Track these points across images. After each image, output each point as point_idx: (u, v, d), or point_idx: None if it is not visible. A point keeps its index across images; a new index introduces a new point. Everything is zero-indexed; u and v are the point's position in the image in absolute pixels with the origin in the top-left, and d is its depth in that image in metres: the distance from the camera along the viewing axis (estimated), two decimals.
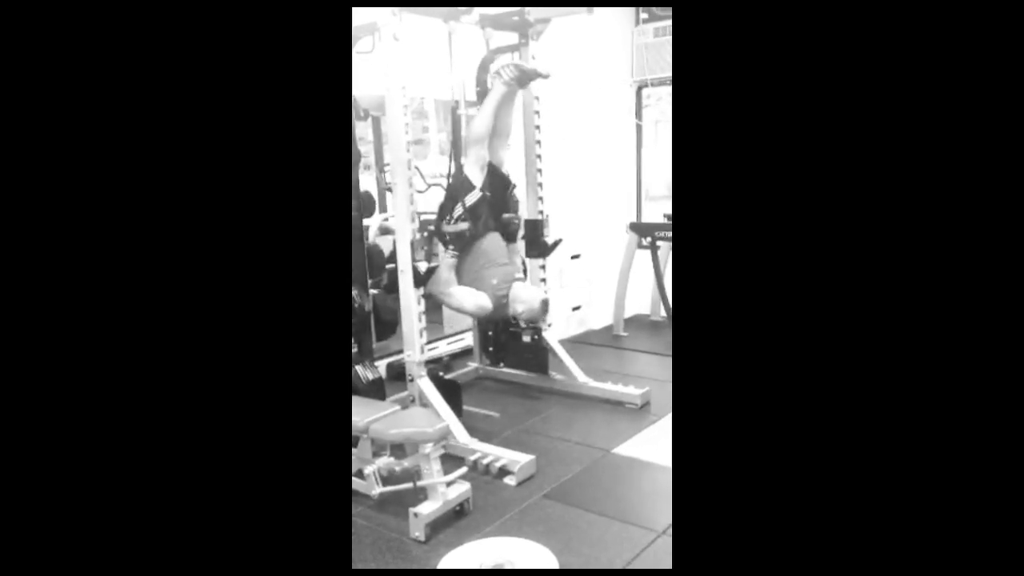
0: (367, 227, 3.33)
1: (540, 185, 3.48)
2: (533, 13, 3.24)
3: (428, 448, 2.26)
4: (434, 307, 3.34)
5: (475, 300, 2.96)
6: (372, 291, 3.06)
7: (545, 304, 3.03)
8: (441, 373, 3.13)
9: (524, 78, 2.99)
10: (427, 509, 2.21)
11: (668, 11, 4.59)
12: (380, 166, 4.14)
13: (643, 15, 4.71)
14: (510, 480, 2.56)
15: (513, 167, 3.52)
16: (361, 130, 3.77)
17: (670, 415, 3.11)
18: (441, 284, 2.94)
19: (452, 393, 3.02)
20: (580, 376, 3.44)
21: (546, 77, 3.08)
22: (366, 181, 3.74)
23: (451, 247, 2.93)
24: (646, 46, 4.68)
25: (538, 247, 3.46)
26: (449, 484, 2.30)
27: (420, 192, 3.07)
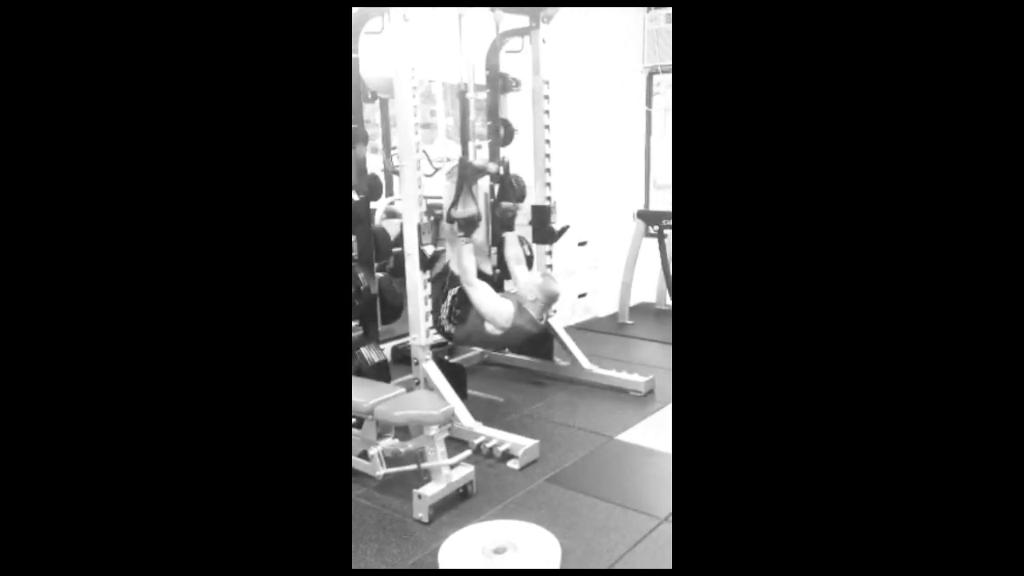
0: (374, 210, 3.32)
1: (548, 171, 3.46)
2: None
3: (433, 430, 2.27)
4: (441, 291, 3.34)
5: (498, 305, 2.90)
6: (378, 274, 3.06)
7: (547, 278, 3.03)
8: (446, 357, 3.14)
9: (475, 176, 3.05)
10: (431, 491, 2.22)
11: None
12: (387, 149, 4.13)
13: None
14: (513, 464, 2.58)
15: (522, 153, 3.52)
16: (368, 112, 3.75)
17: None
18: (467, 273, 2.89)
19: (457, 377, 3.03)
20: (585, 363, 3.45)
21: (493, 172, 3.18)
22: (373, 164, 3.73)
23: (461, 232, 2.91)
24: (657, 32, 4.64)
25: (545, 233, 3.45)
26: (453, 467, 2.31)
27: (427, 176, 3.06)
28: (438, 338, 3.23)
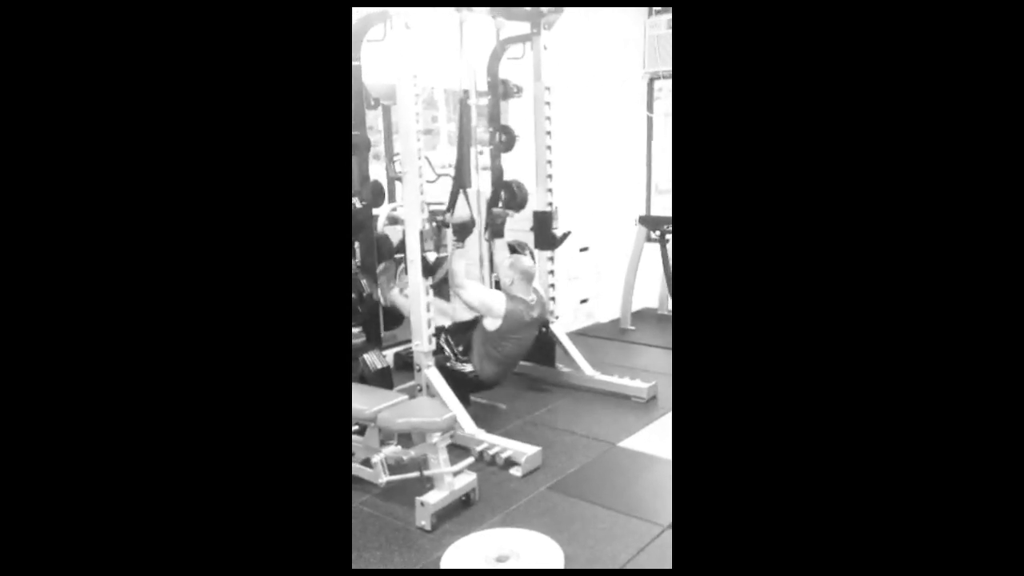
0: (376, 216, 3.33)
1: (550, 177, 3.46)
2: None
3: (435, 438, 2.27)
4: (443, 298, 3.34)
5: (489, 295, 2.96)
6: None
7: (515, 256, 3.13)
8: (448, 363, 3.13)
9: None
10: (433, 498, 2.21)
11: None
12: (389, 155, 4.13)
13: (655, 8, 4.67)
14: (516, 471, 2.57)
15: (523, 159, 3.53)
16: (371, 119, 3.75)
17: None
18: (457, 276, 2.94)
19: (459, 383, 3.02)
20: (587, 369, 3.44)
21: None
22: (375, 170, 3.73)
23: (455, 237, 2.95)
24: (658, 37, 4.65)
25: (547, 239, 3.45)
26: (455, 474, 2.30)
27: (430, 182, 3.06)
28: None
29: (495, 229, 3.38)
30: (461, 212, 3.01)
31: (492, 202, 3.46)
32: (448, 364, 3.02)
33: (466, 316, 3.41)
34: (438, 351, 3.04)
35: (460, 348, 3.06)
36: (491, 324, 2.97)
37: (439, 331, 3.09)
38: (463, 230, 2.94)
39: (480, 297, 2.99)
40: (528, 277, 3.09)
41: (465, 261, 3.00)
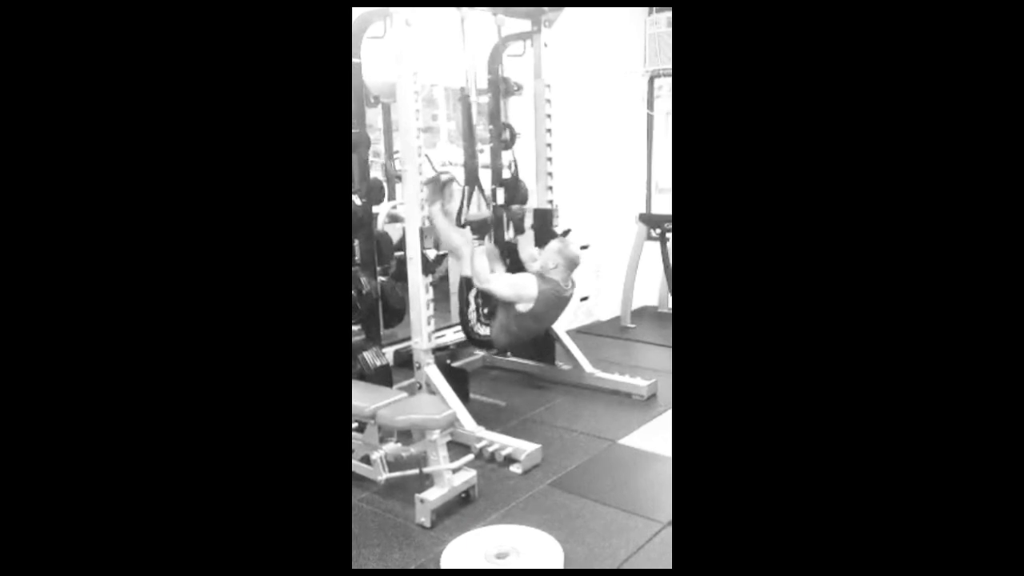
0: (376, 214, 3.33)
1: (550, 175, 3.46)
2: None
3: (435, 435, 2.27)
4: (442, 295, 3.34)
5: (519, 280, 2.95)
6: (380, 278, 3.06)
7: (564, 242, 3.08)
8: (448, 361, 3.14)
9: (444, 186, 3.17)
10: (433, 495, 2.22)
11: None
12: (389, 153, 4.13)
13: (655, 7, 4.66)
14: (516, 468, 2.57)
15: (523, 157, 3.52)
16: (371, 117, 3.75)
17: None
18: (482, 273, 2.92)
19: (459, 381, 3.02)
20: (587, 366, 3.44)
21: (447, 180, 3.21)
22: (375, 168, 3.74)
23: (475, 236, 2.94)
24: (659, 35, 4.64)
25: (547, 237, 3.45)
26: (455, 471, 2.30)
27: None
28: (440, 342, 3.24)
29: (517, 225, 3.36)
30: (476, 210, 3.02)
31: (509, 200, 3.44)
32: (469, 324, 3.03)
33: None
34: (464, 306, 3.05)
35: (486, 309, 3.05)
36: (524, 306, 2.94)
37: (470, 285, 3.05)
38: (481, 227, 2.94)
39: (511, 284, 2.95)
40: (572, 265, 3.02)
41: (485, 260, 2.99)
